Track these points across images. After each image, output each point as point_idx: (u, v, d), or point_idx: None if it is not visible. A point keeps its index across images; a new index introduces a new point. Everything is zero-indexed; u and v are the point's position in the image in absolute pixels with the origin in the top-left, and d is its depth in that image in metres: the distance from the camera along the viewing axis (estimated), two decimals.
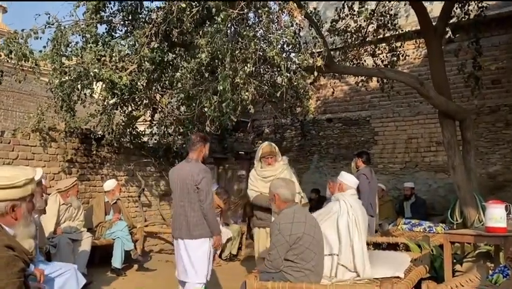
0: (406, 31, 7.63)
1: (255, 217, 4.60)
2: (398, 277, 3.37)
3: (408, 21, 7.95)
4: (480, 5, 6.84)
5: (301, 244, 3.14)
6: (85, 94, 6.49)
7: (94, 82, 6.37)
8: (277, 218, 3.39)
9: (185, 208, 3.90)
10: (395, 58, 7.58)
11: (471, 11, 6.83)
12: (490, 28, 7.66)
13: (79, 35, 6.07)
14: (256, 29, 6.47)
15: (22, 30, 5.79)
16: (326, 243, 3.53)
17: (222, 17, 5.46)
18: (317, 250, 3.24)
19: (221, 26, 5.53)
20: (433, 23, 6.17)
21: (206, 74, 6.35)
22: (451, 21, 6.61)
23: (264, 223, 4.40)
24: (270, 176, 4.37)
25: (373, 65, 7.78)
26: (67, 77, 6.14)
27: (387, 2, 7.26)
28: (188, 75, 6.03)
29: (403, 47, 7.79)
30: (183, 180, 3.97)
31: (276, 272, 3.22)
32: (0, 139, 5.93)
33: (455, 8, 6.56)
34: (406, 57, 7.90)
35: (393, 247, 4.99)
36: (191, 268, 3.82)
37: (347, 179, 4.18)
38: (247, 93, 5.75)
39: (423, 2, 6.23)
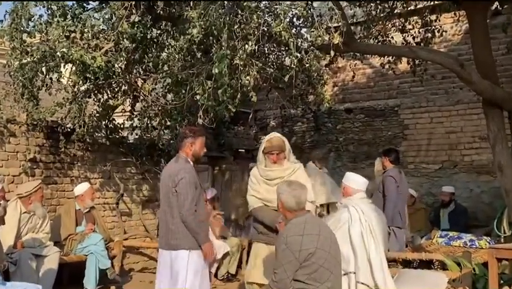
0: (443, 1, 7.58)
1: (255, 230, 4.40)
2: None
3: None
4: None
5: (314, 261, 3.13)
6: (51, 78, 6.46)
7: (62, 64, 6.36)
8: (283, 230, 3.39)
9: (166, 214, 4.05)
10: (429, 35, 7.58)
11: None
12: None
13: (44, 6, 6.04)
14: None
15: None
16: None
17: None
18: (334, 269, 3.23)
19: None
20: None
21: (199, 55, 6.36)
22: None
23: (266, 238, 4.16)
24: (277, 177, 4.14)
25: (402, 43, 7.72)
26: (28, 59, 6.17)
27: None
28: (177, 56, 6.05)
29: (439, 21, 7.75)
30: (165, 182, 4.12)
31: None
32: None
33: None
34: (443, 33, 7.86)
35: (427, 265, 5.07)
36: (171, 284, 3.91)
37: (353, 180, 4.22)
38: (248, 77, 5.73)
39: None
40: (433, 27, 7.61)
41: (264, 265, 4.03)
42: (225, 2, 5.92)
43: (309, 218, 3.37)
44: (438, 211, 7.80)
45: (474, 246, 5.98)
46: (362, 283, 3.54)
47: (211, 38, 5.90)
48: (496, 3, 6.75)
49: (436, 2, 7.48)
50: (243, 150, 10.32)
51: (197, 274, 4.00)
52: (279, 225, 3.72)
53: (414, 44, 7.57)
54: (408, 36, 7.76)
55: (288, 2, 6.28)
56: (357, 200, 3.95)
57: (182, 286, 3.90)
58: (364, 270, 3.52)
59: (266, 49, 6.60)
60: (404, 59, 7.94)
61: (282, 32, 5.64)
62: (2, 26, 6.03)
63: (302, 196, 3.48)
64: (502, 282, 4.38)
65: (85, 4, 6.60)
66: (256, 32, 5.71)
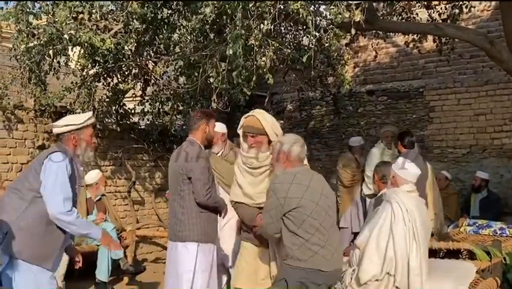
0: None
1: (243, 227, 4.07)
2: None
3: None
4: None
5: (301, 211, 3.18)
6: (58, 62, 6.53)
7: (70, 47, 6.38)
8: (273, 179, 3.45)
9: (174, 203, 4.00)
10: (457, 11, 7.49)
11: None
12: None
13: None
14: None
15: None
16: (382, 258, 3.61)
17: None
18: (324, 222, 3.26)
19: None
20: None
21: (212, 35, 6.38)
22: None
23: (252, 236, 3.86)
24: (262, 166, 3.78)
25: (428, 20, 7.76)
26: (35, 42, 6.20)
27: None
28: (189, 36, 6.15)
29: None
30: (174, 169, 4.05)
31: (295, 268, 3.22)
32: None
33: None
34: (471, 9, 7.84)
35: (454, 254, 5.11)
36: (174, 278, 3.89)
37: (405, 169, 3.97)
38: (264, 58, 5.76)
39: None
40: (460, 2, 7.48)
41: (249, 268, 3.83)
42: None
43: (303, 170, 3.42)
44: (468, 197, 7.78)
45: (504, 234, 6.01)
46: (397, 288, 3.56)
47: (224, 17, 5.88)
48: None
49: None
50: None
51: (205, 271, 3.93)
52: (258, 217, 3.58)
53: (440, 21, 7.56)
54: (433, 12, 7.74)
55: None
56: (403, 193, 3.80)
57: (187, 283, 3.84)
58: (403, 275, 3.52)
59: (283, 28, 6.67)
60: (430, 37, 7.95)
61: (300, 9, 5.61)
62: (7, 8, 6.08)
63: (303, 150, 3.52)
64: None
65: None
66: (272, 10, 5.67)
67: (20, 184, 3.35)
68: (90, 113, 3.86)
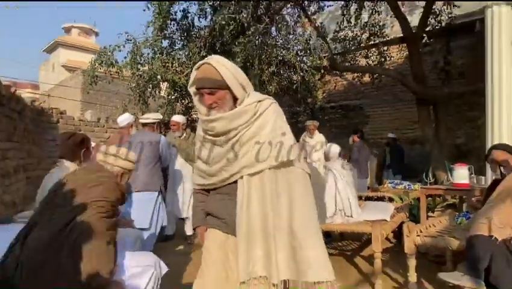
0: (392, 37, 7.55)
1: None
2: (385, 220, 3.37)
3: (393, 29, 7.84)
4: (450, 16, 6.95)
5: None
6: (155, 91, 6.75)
7: (161, 83, 6.69)
8: None
9: None
10: (383, 59, 7.64)
11: (442, 20, 6.98)
12: (457, 34, 7.67)
13: (149, 48, 6.35)
14: (277, 39, 6.69)
15: (109, 46, 6.22)
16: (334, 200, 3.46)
17: (252, 30, 5.81)
18: None
19: (251, 37, 5.86)
20: (413, 31, 6.22)
21: None
22: (427, 29, 6.62)
23: (217, 222, 1.64)
24: (228, 130, 1.56)
25: (365, 65, 7.82)
26: (141, 80, 6.49)
27: (377, 15, 7.38)
28: None
29: (389, 50, 7.82)
30: None
31: None
32: (97, 124, 6.89)
33: (430, 19, 6.64)
34: (391, 58, 7.93)
35: (381, 199, 4.86)
36: None
37: (332, 150, 3.94)
38: (271, 87, 6.15)
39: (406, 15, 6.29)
40: (385, 54, 7.68)
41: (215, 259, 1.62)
42: (256, 42, 6.00)
43: None
44: (384, 151, 7.67)
45: (411, 188, 5.77)
46: (346, 215, 3.52)
47: (248, 64, 6.07)
48: (425, 38, 6.80)
49: (387, 39, 7.46)
50: None
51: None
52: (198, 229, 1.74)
53: (373, 65, 7.76)
54: (369, 60, 7.88)
55: (295, 41, 6.53)
56: (334, 162, 3.76)
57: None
58: (346, 207, 3.51)
59: (281, 70, 6.74)
60: (367, 75, 8.14)
61: (292, 59, 6.05)
62: (125, 61, 6.31)
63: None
64: (428, 209, 4.49)
65: (173, 46, 6.85)
66: (275, 60, 6.11)
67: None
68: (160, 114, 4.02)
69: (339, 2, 7.43)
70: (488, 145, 3.59)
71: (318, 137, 5.97)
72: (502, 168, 2.74)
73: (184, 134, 4.62)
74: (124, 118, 3.84)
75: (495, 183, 2.76)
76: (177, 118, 4.57)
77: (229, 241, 1.58)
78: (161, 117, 3.93)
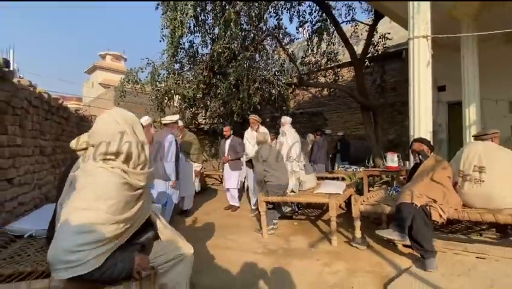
0: (343, 62, 7.71)
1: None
2: (339, 193, 3.35)
3: (344, 56, 7.77)
4: (384, 46, 7.08)
5: (269, 160, 3.06)
6: (169, 102, 6.71)
7: (174, 95, 6.64)
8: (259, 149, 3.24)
9: None
10: (337, 78, 7.75)
11: (379, 49, 7.07)
12: (390, 59, 7.78)
13: (165, 69, 6.29)
14: (260, 63, 6.65)
15: (135, 68, 6.14)
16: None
17: (241, 56, 5.82)
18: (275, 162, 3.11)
19: (241, 62, 5.84)
20: (358, 57, 6.31)
21: (234, 89, 6.37)
22: (368, 55, 6.71)
23: None
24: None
25: (324, 82, 7.90)
26: (159, 93, 6.41)
27: (332, 45, 7.41)
28: (224, 90, 6.25)
29: (341, 71, 7.95)
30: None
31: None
32: None
33: (370, 48, 6.73)
34: (343, 77, 8.15)
35: (336, 179, 4.89)
36: None
37: (286, 119, 3.89)
38: (255, 98, 6.10)
39: (352, 45, 6.30)
40: (338, 74, 7.75)
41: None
42: (245, 65, 5.99)
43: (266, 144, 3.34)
44: (336, 145, 7.35)
45: (357, 170, 5.70)
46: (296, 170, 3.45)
47: (239, 81, 6.04)
48: (367, 62, 6.85)
49: (340, 63, 7.60)
50: None
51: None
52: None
53: (330, 82, 7.78)
54: (327, 78, 7.89)
55: (273, 64, 6.44)
56: (287, 127, 3.72)
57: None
58: (297, 156, 3.45)
59: (264, 86, 6.67)
60: (325, 89, 8.26)
61: (270, 78, 5.99)
62: (147, 79, 6.21)
63: (267, 136, 3.26)
64: (369, 185, 4.46)
65: (183, 68, 6.70)
66: (259, 78, 6.03)
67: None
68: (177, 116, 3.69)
69: (305, 36, 7.40)
70: (411, 139, 3.66)
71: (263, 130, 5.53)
72: (420, 155, 2.76)
73: (182, 133, 4.43)
74: (145, 119, 3.58)
75: (415, 166, 2.80)
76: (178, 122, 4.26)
77: None
78: (178, 117, 3.70)
